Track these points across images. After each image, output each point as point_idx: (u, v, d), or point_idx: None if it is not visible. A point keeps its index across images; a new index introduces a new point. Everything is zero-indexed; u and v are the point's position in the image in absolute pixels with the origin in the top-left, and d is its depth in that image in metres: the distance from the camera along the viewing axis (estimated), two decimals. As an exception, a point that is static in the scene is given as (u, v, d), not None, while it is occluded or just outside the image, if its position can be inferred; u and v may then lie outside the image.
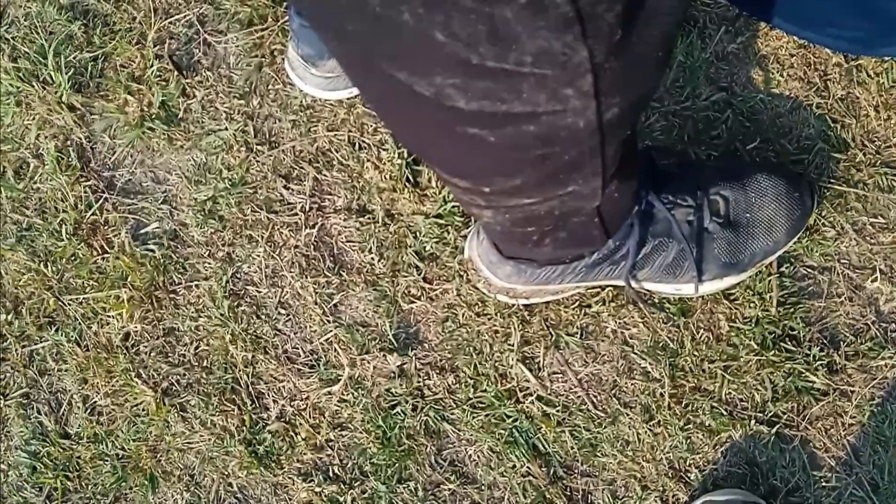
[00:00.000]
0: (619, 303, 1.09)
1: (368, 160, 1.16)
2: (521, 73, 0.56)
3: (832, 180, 1.06)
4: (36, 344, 1.22)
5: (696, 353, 1.07)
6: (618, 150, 0.74)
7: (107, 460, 1.19)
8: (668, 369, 1.07)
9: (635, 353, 1.09)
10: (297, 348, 1.16)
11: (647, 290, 1.06)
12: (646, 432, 1.07)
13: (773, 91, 1.09)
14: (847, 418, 1.04)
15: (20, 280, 1.23)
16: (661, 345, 1.08)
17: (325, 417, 1.15)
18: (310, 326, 1.16)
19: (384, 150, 1.16)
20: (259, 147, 1.18)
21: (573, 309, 1.10)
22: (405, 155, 1.14)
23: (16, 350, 1.22)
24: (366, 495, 1.13)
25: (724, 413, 1.06)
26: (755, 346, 1.05)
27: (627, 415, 1.08)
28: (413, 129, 0.69)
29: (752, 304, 1.06)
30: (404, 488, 1.12)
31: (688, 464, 1.06)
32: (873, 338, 1.04)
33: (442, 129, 0.65)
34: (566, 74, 0.56)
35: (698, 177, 1.01)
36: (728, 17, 1.11)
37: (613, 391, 1.09)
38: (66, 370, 1.21)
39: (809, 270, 1.07)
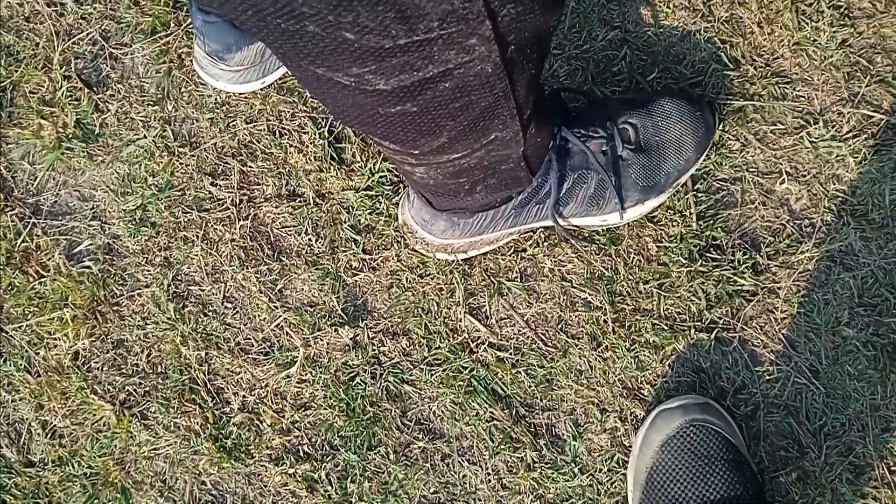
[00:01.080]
0: (552, 242, 1.14)
1: (291, 145, 1.19)
2: (430, 38, 0.61)
3: (730, 97, 1.14)
4: (-15, 379, 1.22)
5: (630, 276, 1.13)
6: (529, 91, 0.79)
7: (75, 481, 1.20)
8: (608, 296, 1.13)
9: (574, 287, 1.14)
10: (249, 338, 1.19)
11: (576, 226, 1.11)
12: (596, 359, 1.13)
13: (662, 23, 1.16)
14: (778, 313, 1.11)
15: (-41, 319, 1.22)
16: (597, 275, 1.14)
17: (287, 401, 1.17)
18: (258, 315, 1.19)
19: (305, 133, 1.19)
20: (181, 149, 1.21)
21: (510, 256, 1.15)
22: (326, 135, 1.18)
23: (-35, 389, 1.22)
24: (339, 468, 1.16)
25: (666, 328, 1.12)
26: (684, 261, 1.12)
27: (576, 346, 1.13)
28: (340, 109, 0.74)
29: (674, 223, 1.12)
30: (375, 454, 1.15)
31: (639, 381, 1.12)
32: (790, 235, 1.12)
33: (367, 109, 0.71)
34: (468, 26, 0.62)
35: (606, 110, 1.08)
36: (610, -41, 1.18)
37: (560, 326, 1.14)
38: (20, 399, 1.21)
39: (722, 183, 1.14)
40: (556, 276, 1.15)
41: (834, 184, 1.13)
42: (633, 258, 1.14)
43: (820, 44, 1.14)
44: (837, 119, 1.13)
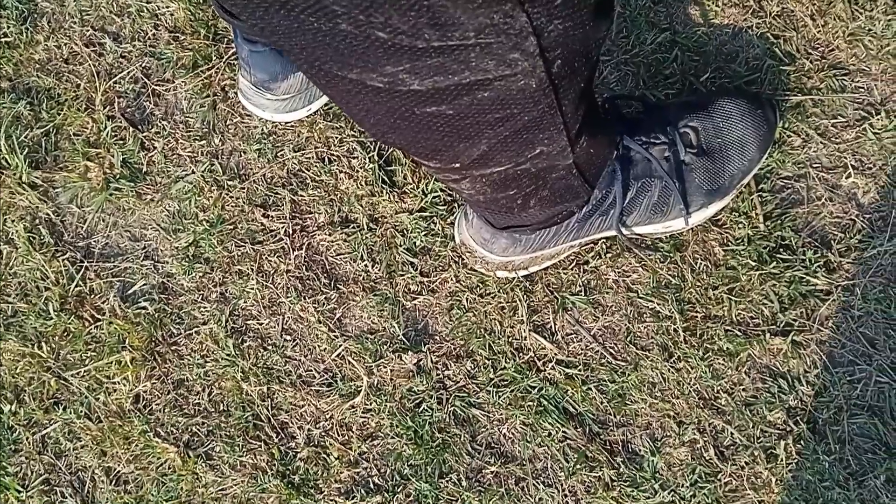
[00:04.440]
0: (615, 253, 1.12)
1: (341, 171, 1.18)
2: (465, 45, 0.59)
3: (787, 92, 1.11)
4: (46, 428, 1.21)
5: (698, 283, 1.10)
6: (577, 104, 0.77)
7: (143, 527, 1.18)
8: (676, 305, 1.10)
9: (641, 298, 1.12)
10: (311, 370, 1.17)
11: (639, 235, 1.09)
12: (668, 370, 1.10)
13: (712, 22, 1.14)
14: (855, 311, 1.08)
15: (17, 368, 1.22)
16: (663, 283, 1.11)
17: (353, 432, 1.15)
18: (319, 346, 1.17)
19: (354, 158, 1.17)
20: (230, 183, 1.20)
21: (572, 269, 1.13)
22: (376, 158, 1.17)
23: (27, 439, 1.21)
24: (411, 498, 1.14)
25: (739, 333, 1.09)
26: (753, 263, 1.09)
27: (647, 357, 1.11)
28: (376, 120, 0.73)
29: (740, 225, 1.10)
30: (447, 482, 1.13)
31: (715, 391, 1.09)
32: (860, 230, 1.09)
33: (402, 115, 0.69)
34: (510, 40, 0.61)
35: (664, 114, 1.06)
36: (654, -39, 1.16)
37: (629, 338, 1.12)
38: (82, 447, 1.20)
39: (786, 181, 1.11)
40: (622, 288, 1.12)
41: (902, 174, 1.10)
42: (700, 264, 1.11)
43: (875, 32, 1.12)
44: (900, 108, 1.11)
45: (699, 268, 1.11)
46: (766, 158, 1.09)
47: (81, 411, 1.20)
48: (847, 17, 1.12)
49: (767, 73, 1.12)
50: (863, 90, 1.12)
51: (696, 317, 1.11)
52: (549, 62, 0.65)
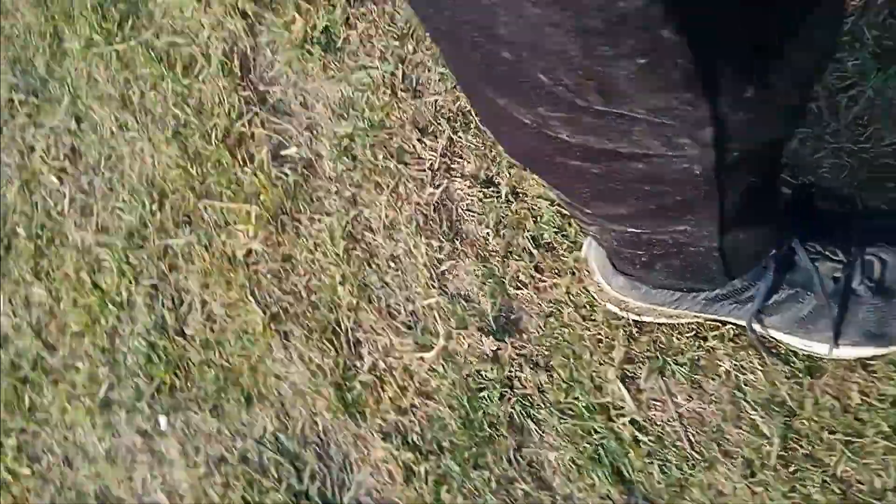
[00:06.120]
0: (739, 344, 0.98)
1: (509, 128, 1.09)
2: (633, 118, 0.52)
3: None
4: (171, 239, 1.27)
5: (816, 418, 0.95)
6: (746, 199, 0.65)
7: (212, 368, 1.25)
8: (782, 428, 0.96)
9: (747, 402, 0.98)
10: (399, 305, 1.14)
11: (773, 338, 0.94)
12: (743, 488, 0.98)
13: None
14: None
15: (169, 174, 1.27)
16: (778, 400, 0.97)
17: (413, 382, 1.13)
18: (415, 286, 1.14)
19: (528, 119, 1.08)
20: (403, 94, 1.15)
21: (687, 337, 1.00)
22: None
23: (153, 240, 1.28)
24: (439, 470, 1.11)
25: (837, 491, 0.95)
26: (886, 429, 0.92)
27: (726, 464, 0.99)
28: (516, 146, 0.67)
29: (892, 381, 0.92)
30: (478, 475, 1.09)
31: (777, 536, 0.96)
32: None
33: (543, 154, 0.62)
34: (685, 127, 0.53)
35: (856, 231, 0.88)
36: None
37: (715, 435, 1.00)
38: (192, 271, 1.27)
39: (976, 361, 0.91)
40: (731, 382, 0.99)
41: None
42: (828, 400, 0.95)
43: None
44: None
45: (824, 403, 0.95)
46: (963, 326, 0.89)
47: (203, 240, 1.26)
48: None
49: None
50: None
51: (798, 451, 0.96)
52: (721, 153, 0.55)
